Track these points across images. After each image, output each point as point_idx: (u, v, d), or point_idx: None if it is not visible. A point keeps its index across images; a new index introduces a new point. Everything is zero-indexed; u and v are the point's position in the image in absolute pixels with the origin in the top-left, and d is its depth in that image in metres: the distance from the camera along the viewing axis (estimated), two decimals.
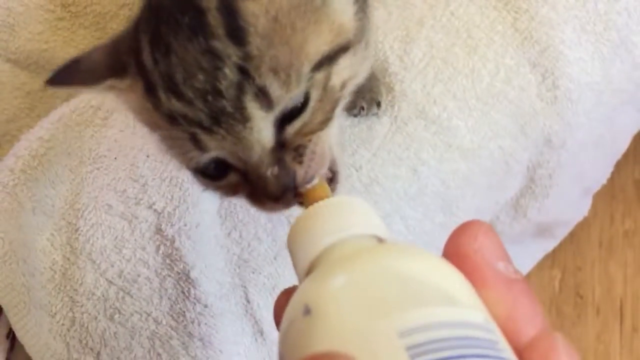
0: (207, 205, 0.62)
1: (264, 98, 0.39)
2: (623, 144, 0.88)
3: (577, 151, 0.76)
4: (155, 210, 0.61)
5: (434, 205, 0.68)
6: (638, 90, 0.77)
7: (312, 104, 0.41)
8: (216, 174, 0.43)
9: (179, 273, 0.60)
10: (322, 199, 0.39)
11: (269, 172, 0.40)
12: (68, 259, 0.61)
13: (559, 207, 0.87)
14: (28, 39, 0.75)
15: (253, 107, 0.39)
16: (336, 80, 0.42)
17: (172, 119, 0.40)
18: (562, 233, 0.99)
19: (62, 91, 0.78)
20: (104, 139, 0.66)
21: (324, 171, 0.43)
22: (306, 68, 0.40)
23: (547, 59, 0.67)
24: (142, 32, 0.41)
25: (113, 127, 0.67)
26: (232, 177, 0.43)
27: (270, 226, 0.63)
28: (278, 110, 0.40)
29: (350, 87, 0.44)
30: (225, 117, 0.39)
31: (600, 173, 0.92)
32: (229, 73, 0.38)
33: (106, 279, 0.60)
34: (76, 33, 0.76)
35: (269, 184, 0.40)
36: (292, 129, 0.41)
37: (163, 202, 0.61)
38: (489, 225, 0.31)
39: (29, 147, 0.64)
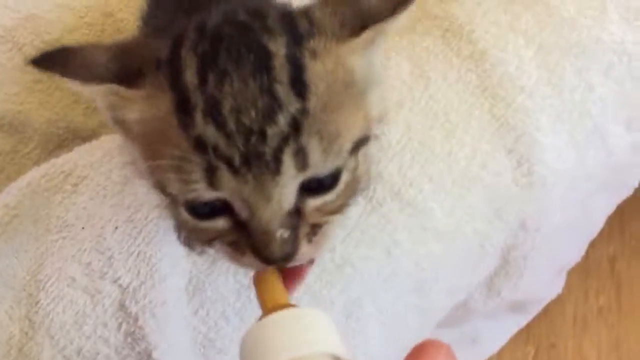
0: (175, 282, 0.60)
1: (302, 158, 0.38)
2: (597, 225, 0.89)
3: (551, 234, 0.76)
4: (120, 285, 0.60)
5: (407, 287, 0.67)
6: (612, 176, 0.78)
7: (341, 185, 0.41)
8: (205, 214, 0.42)
9: (140, 353, 0.58)
10: (279, 303, 0.38)
11: (278, 234, 0.39)
12: (26, 333, 0.59)
13: (533, 286, 0.87)
14: (3, 100, 0.74)
15: (289, 164, 0.38)
16: (361, 169, 0.44)
17: (200, 145, 0.38)
18: (535, 309, 0.98)
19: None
20: (73, 205, 0.65)
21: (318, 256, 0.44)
22: (347, 146, 0.41)
23: (522, 145, 0.67)
24: (188, 50, 0.40)
25: (83, 194, 0.65)
26: (221, 222, 0.42)
27: (239, 305, 0.61)
28: (307, 175, 0.40)
29: (363, 181, 0.45)
30: (259, 163, 0.38)
31: (574, 253, 0.92)
32: (282, 121, 0.38)
33: (64, 356, 0.58)
34: (52, 96, 0.76)
35: (273, 245, 0.39)
36: (314, 203, 0.41)
37: (129, 277, 0.60)
38: (448, 348, 0.31)
39: None
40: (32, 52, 0.76)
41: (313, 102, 0.39)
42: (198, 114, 0.38)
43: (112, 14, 0.77)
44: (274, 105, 0.38)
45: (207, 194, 0.40)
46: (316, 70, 0.40)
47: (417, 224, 0.65)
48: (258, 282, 0.41)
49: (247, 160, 0.38)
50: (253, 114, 0.38)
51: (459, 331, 0.92)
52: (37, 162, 0.75)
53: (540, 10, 0.70)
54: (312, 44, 0.41)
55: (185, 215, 0.43)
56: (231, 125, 0.38)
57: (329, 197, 0.42)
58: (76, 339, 0.58)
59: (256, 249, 0.40)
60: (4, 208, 0.63)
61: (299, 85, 0.39)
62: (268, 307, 0.37)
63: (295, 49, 0.40)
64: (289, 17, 0.42)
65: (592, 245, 0.95)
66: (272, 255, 0.40)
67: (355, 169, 0.43)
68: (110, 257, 0.61)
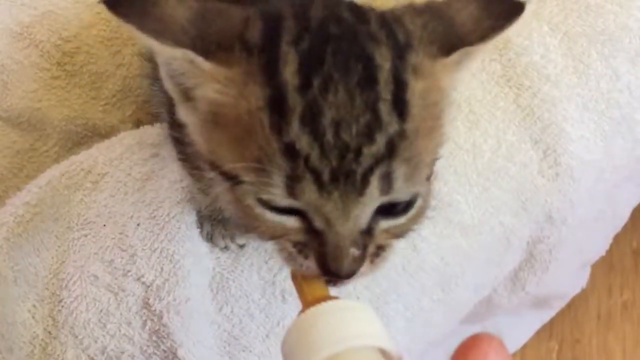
0: (198, 279, 0.60)
1: (387, 182, 0.37)
2: (623, 218, 0.87)
3: (577, 226, 0.74)
4: (143, 283, 0.59)
5: (432, 281, 0.66)
6: (639, 166, 0.76)
7: (413, 211, 0.40)
8: (279, 208, 0.39)
9: (165, 351, 0.57)
10: (320, 295, 0.37)
11: (350, 251, 0.37)
12: (49, 332, 0.58)
13: (558, 280, 0.85)
14: (21, 97, 0.74)
15: (374, 186, 0.36)
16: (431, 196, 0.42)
17: (290, 152, 0.35)
18: (559, 304, 0.97)
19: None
20: (94, 203, 0.64)
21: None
22: (427, 172, 0.39)
23: (549, 136, 0.66)
24: (289, 44, 0.37)
25: (104, 191, 0.65)
26: (292, 221, 0.39)
27: (264, 302, 0.60)
28: (388, 199, 0.38)
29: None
30: (347, 182, 0.36)
31: (599, 246, 0.91)
32: (380, 142, 0.36)
33: (88, 356, 0.57)
34: (71, 92, 0.75)
35: (343, 261, 0.37)
36: (385, 224, 0.39)
37: (152, 274, 0.59)
38: (500, 342, 0.29)
39: (14, 213, 0.62)
40: (49, 49, 0.76)
41: (410, 125, 0.37)
42: (295, 119, 0.35)
43: None
44: (374, 124, 0.36)
45: (283, 201, 0.37)
46: (417, 90, 0.37)
47: (442, 218, 0.64)
48: (296, 274, 0.40)
49: (335, 177, 0.36)
50: (354, 130, 0.35)
51: (481, 327, 0.90)
52: (56, 160, 0.74)
53: None
54: (413, 58, 0.38)
55: (252, 202, 0.39)
56: (329, 138, 0.35)
57: (400, 220, 0.40)
58: (100, 337, 0.58)
59: (324, 260, 0.38)
60: (25, 206, 0.62)
61: (401, 105, 0.36)
62: (308, 300, 0.36)
63: (399, 63, 0.37)
64: (387, 23, 0.39)
65: (616, 239, 0.93)
66: (339, 271, 0.38)
67: (427, 194, 0.41)
68: (133, 255, 0.60)
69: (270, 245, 0.42)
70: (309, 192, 0.36)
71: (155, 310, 0.58)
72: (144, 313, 0.58)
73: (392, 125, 0.36)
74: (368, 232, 0.39)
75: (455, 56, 0.39)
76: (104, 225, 0.62)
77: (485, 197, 0.66)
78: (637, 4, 0.68)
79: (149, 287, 0.59)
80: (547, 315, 0.97)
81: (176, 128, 0.56)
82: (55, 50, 0.75)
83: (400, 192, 0.38)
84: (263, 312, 0.60)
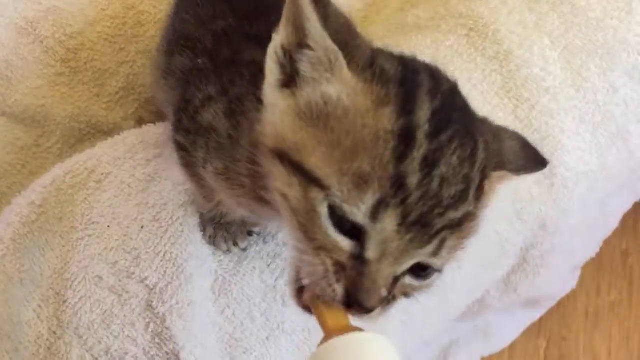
0: (201, 282, 0.61)
1: (440, 247, 0.41)
2: (614, 223, 0.89)
3: (570, 233, 0.76)
4: (147, 285, 0.60)
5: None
6: (632, 175, 0.78)
7: (428, 281, 0.44)
8: (341, 226, 0.40)
9: (167, 353, 0.59)
10: (344, 325, 0.39)
11: (382, 290, 0.40)
12: (54, 332, 0.59)
13: (549, 283, 0.87)
14: (25, 94, 0.74)
15: (433, 245, 0.40)
16: None
17: (397, 182, 0.38)
18: (549, 304, 0.99)
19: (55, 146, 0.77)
20: (97, 203, 0.65)
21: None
22: (455, 256, 0.44)
23: (545, 147, 0.67)
24: (425, 93, 0.41)
25: (107, 191, 0.66)
26: (347, 243, 0.40)
27: (265, 305, 0.62)
28: (427, 261, 0.42)
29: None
30: (422, 231, 0.39)
31: (590, 250, 0.93)
32: (460, 212, 0.40)
33: (92, 356, 0.59)
34: (75, 89, 0.75)
35: (373, 295, 0.40)
36: (407, 281, 0.43)
37: (156, 277, 0.60)
38: None
39: (19, 213, 0.63)
40: (54, 45, 0.76)
41: (477, 211, 0.42)
42: (417, 157, 0.39)
43: (133, 7, 0.77)
44: (463, 196, 0.40)
45: (359, 218, 0.39)
46: (487, 186, 0.43)
47: None
48: (316, 300, 0.40)
49: (417, 222, 0.39)
50: (453, 191, 0.40)
51: (472, 325, 0.93)
52: (59, 156, 0.75)
53: (566, 10, 0.69)
54: (490, 162, 0.44)
55: (322, 209, 0.39)
56: (434, 188, 0.39)
57: (416, 283, 0.43)
58: (104, 338, 0.59)
59: (356, 288, 0.39)
60: (30, 206, 0.63)
61: (479, 191, 0.42)
62: (330, 328, 0.38)
63: (486, 159, 0.43)
64: (485, 125, 0.46)
65: (606, 240, 0.95)
66: (365, 302, 0.39)
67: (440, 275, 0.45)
68: (137, 257, 0.61)
69: (293, 251, 0.43)
70: (389, 223, 0.38)
71: (158, 313, 0.59)
72: (147, 315, 0.59)
73: (471, 204, 0.41)
74: (395, 280, 0.41)
75: (501, 173, 0.46)
76: (108, 226, 0.63)
77: None
78: (636, 19, 0.69)
79: (152, 289, 0.60)
80: (536, 314, 1.00)
81: (181, 132, 0.57)
82: (60, 47, 0.75)
83: (439, 260, 0.42)
84: (264, 315, 0.62)
